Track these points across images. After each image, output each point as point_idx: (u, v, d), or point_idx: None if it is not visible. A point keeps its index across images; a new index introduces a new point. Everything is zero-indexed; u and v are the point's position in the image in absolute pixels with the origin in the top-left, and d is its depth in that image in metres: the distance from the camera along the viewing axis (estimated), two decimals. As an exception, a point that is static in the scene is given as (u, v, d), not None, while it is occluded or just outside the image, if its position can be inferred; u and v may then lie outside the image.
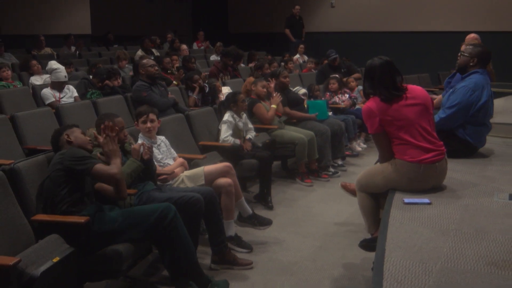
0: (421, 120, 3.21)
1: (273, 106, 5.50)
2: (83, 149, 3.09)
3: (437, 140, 3.26)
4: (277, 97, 5.55)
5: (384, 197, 3.33)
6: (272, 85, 5.77)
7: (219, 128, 4.85)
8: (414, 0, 11.97)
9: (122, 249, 2.84)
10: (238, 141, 4.78)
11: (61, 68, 5.98)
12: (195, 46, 13.11)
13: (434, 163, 3.18)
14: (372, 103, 3.22)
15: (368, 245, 3.51)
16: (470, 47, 4.19)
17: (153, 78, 5.42)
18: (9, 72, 6.52)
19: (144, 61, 5.52)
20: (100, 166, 2.95)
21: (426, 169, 3.17)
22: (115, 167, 2.98)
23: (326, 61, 8.67)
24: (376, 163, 3.57)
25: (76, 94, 5.99)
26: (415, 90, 3.31)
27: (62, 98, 5.82)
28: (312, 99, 6.53)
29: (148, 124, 3.87)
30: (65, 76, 5.94)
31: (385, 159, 3.29)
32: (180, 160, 4.04)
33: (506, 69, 7.68)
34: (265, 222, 4.28)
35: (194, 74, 6.46)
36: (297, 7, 11.45)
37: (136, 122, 3.95)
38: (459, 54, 4.20)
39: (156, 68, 5.52)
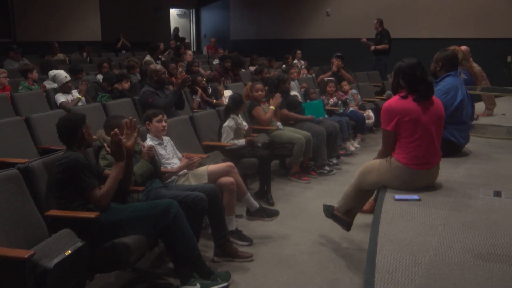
0: (437, 131, 3.17)
1: (272, 107, 5.49)
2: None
3: (439, 152, 3.23)
4: (276, 98, 5.53)
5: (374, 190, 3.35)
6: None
7: (221, 131, 4.82)
8: (405, 9, 11.97)
9: (130, 242, 2.84)
10: (242, 142, 4.76)
11: (60, 71, 6.04)
12: (204, 51, 13.13)
13: (427, 170, 3.18)
14: (395, 102, 3.14)
15: (328, 210, 3.70)
16: (437, 53, 4.19)
17: (163, 83, 5.42)
18: (36, 74, 6.57)
19: (158, 67, 5.48)
20: (95, 192, 2.88)
21: (419, 175, 3.16)
22: (106, 195, 2.91)
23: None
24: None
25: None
26: (438, 101, 3.26)
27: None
28: (308, 101, 6.53)
29: (164, 123, 3.89)
30: (66, 76, 5.93)
31: (385, 156, 3.27)
32: (184, 161, 3.96)
33: (491, 74, 7.71)
34: (272, 214, 4.15)
35: (197, 76, 6.43)
36: (375, 20, 10.37)
37: (148, 122, 3.88)
38: (430, 61, 4.22)
39: (166, 75, 5.52)
